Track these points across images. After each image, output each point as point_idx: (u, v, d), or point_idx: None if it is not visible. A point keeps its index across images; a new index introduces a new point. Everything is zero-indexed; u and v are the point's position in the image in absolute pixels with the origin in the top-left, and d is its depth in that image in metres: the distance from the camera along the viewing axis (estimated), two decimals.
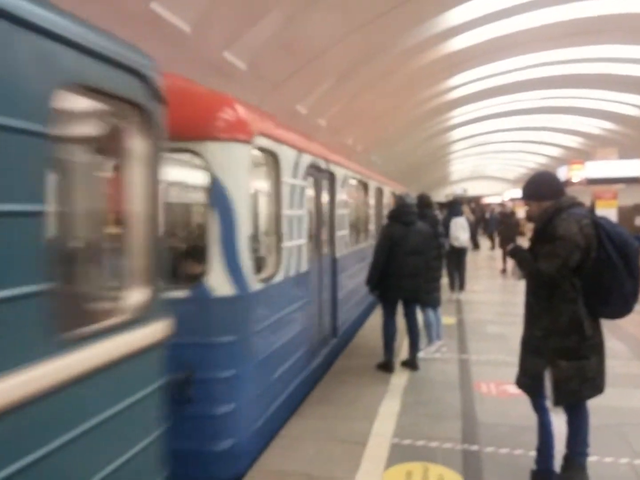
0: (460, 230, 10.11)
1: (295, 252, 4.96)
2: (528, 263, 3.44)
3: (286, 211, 4.71)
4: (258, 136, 4.10)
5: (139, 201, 2.37)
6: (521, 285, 3.73)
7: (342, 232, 7.34)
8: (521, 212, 22.17)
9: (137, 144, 2.36)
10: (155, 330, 2.41)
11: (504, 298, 11.48)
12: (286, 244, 4.68)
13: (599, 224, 3.27)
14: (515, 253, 3.57)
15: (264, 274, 4.32)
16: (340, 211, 7.20)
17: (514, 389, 3.91)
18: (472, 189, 43.39)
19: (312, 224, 5.97)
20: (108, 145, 2.67)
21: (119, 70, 2.16)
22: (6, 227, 1.62)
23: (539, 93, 21.60)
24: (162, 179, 2.51)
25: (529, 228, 20.34)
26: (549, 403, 3.39)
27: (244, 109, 4.04)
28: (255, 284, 3.95)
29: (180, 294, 3.58)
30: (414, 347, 6.12)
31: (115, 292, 2.40)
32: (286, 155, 4.79)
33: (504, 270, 14.75)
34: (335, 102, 14.26)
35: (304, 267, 5.24)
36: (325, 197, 6.68)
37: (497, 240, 19.24)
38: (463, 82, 18.26)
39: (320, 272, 6.15)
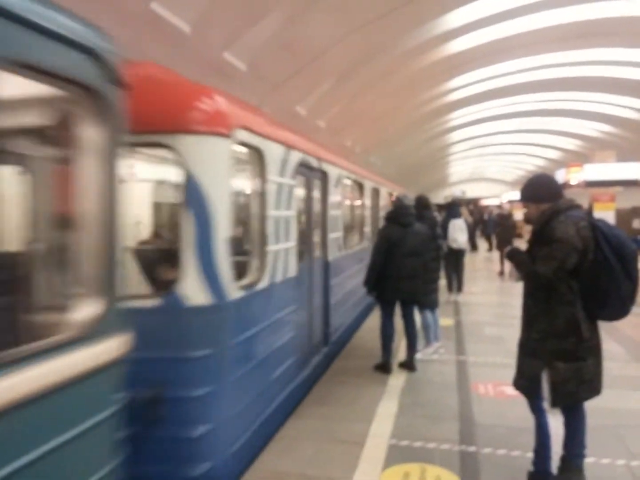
0: (458, 232, 10.13)
1: (283, 256, 4.64)
2: (525, 265, 3.45)
3: (272, 212, 4.38)
4: (239, 129, 3.75)
5: (91, 200, 2.06)
6: (519, 287, 3.74)
7: (336, 234, 7.04)
8: (519, 214, 22.19)
9: (90, 134, 2.04)
10: (108, 348, 2.09)
11: (502, 300, 11.48)
12: (272, 247, 4.36)
13: (596, 227, 3.28)
14: (513, 255, 3.59)
15: (246, 280, 3.99)
16: (333, 212, 6.89)
17: (511, 391, 3.91)
18: (471, 191, 43.39)
19: (302, 226, 5.69)
20: (55, 136, 2.39)
21: (67, 48, 1.87)
22: None
23: (538, 95, 21.67)
24: (122, 175, 2.22)
25: (526, 230, 20.40)
26: (546, 404, 3.40)
27: (224, 100, 3.69)
28: (234, 291, 3.61)
29: (149, 303, 3.29)
30: (411, 348, 6.12)
31: (60, 305, 2.12)
32: (272, 151, 4.44)
33: (501, 272, 14.76)
34: (335, 103, 14.28)
35: (292, 271, 4.92)
36: (317, 198, 6.36)
37: (494, 242, 19.31)
38: (463, 84, 18.31)
39: (310, 277, 5.81)
